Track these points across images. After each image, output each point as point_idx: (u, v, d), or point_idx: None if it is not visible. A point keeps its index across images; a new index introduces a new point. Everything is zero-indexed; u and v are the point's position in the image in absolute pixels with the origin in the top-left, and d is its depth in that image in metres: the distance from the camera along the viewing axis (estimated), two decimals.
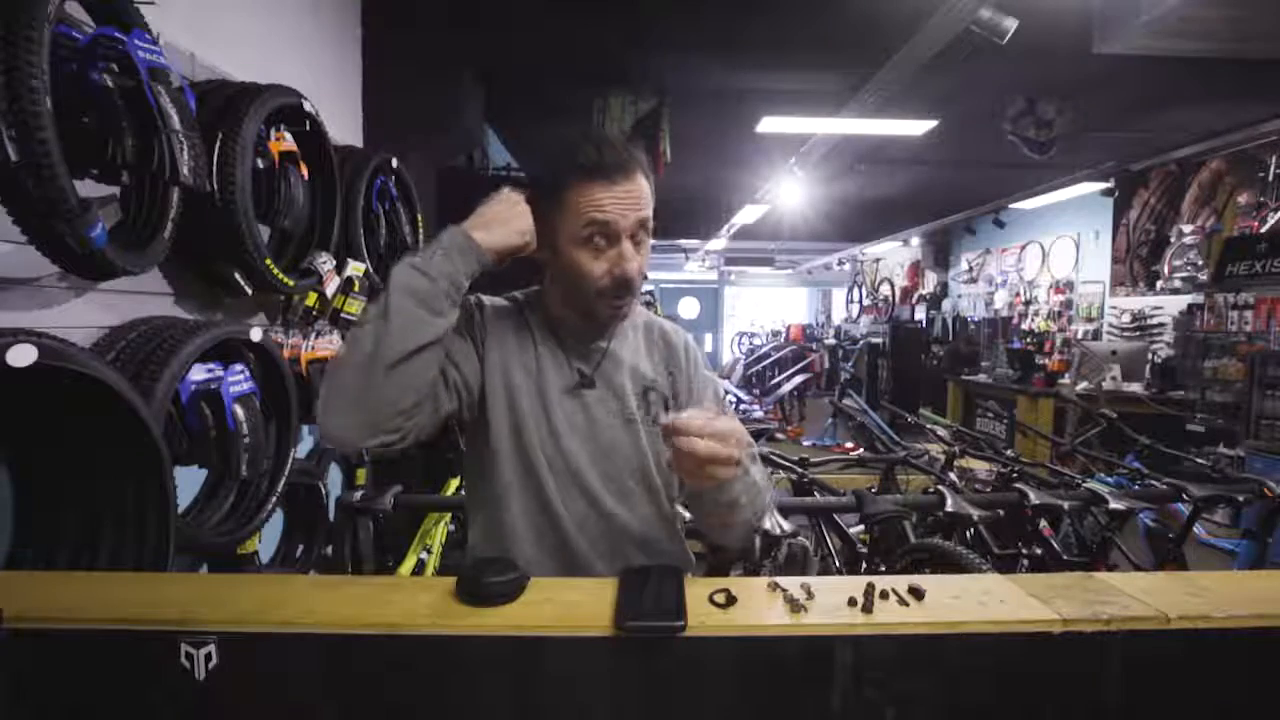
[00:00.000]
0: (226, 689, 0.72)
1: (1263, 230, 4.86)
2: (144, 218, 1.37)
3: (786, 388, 8.14)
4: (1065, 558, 2.27)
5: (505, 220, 0.96)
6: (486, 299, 1.10)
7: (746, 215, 7.59)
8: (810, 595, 0.80)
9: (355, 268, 2.17)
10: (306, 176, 1.85)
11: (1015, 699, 0.78)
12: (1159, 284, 5.95)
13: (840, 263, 13.09)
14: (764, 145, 5.03)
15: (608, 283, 0.98)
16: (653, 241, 1.04)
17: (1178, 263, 5.74)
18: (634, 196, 0.97)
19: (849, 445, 3.58)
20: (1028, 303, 7.85)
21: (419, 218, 2.65)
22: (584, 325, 1.07)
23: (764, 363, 10.52)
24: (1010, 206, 7.13)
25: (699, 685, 0.76)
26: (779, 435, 3.95)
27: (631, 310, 1.07)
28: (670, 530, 1.11)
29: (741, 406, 6.50)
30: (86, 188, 1.18)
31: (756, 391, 8.77)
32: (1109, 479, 2.78)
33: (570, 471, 1.02)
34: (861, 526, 2.33)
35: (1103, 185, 5.94)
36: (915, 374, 8.87)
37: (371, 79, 2.75)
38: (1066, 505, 2.06)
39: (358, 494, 2.46)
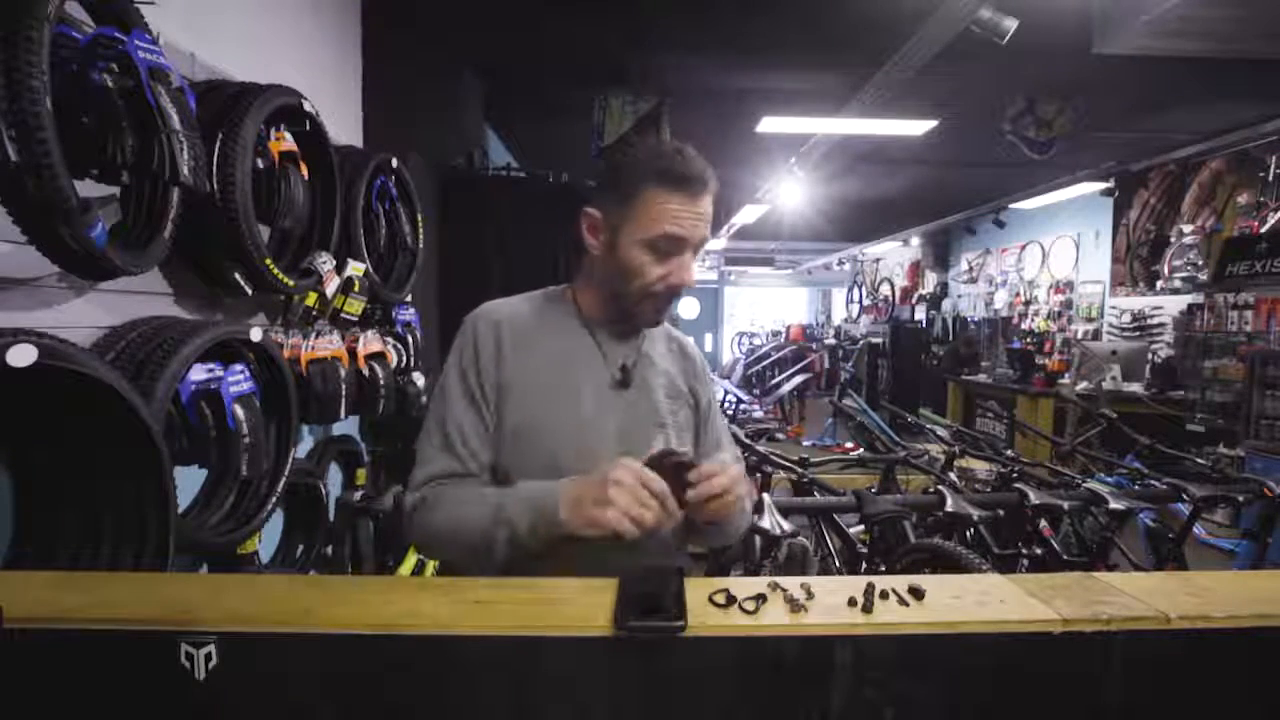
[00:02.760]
0: (226, 689, 0.72)
1: (1263, 230, 4.86)
2: (144, 218, 1.37)
3: (786, 388, 8.14)
4: (1065, 558, 2.28)
5: (588, 505, 0.88)
6: (504, 308, 1.08)
7: (746, 215, 7.60)
8: (810, 595, 0.80)
9: (355, 268, 2.17)
10: (306, 176, 1.85)
11: (1015, 699, 0.78)
12: (1159, 284, 5.95)
13: (840, 263, 13.10)
14: (764, 145, 5.03)
15: (661, 289, 1.01)
16: None
17: (1178, 263, 5.74)
18: (705, 215, 1.00)
19: (849, 445, 3.58)
20: (1028, 303, 7.85)
21: (419, 218, 2.65)
22: (619, 326, 1.08)
23: (764, 363, 10.52)
24: (1010, 206, 7.13)
25: (699, 685, 0.76)
26: (779, 435, 3.95)
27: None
28: (679, 534, 1.11)
29: (741, 406, 6.50)
30: (86, 188, 1.18)
31: (756, 391, 8.77)
32: (1109, 479, 2.78)
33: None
34: (861, 526, 2.33)
35: (1103, 185, 5.94)
36: (915, 374, 8.87)
37: (371, 79, 2.75)
38: (1066, 505, 2.07)
39: (358, 494, 2.47)
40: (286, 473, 1.83)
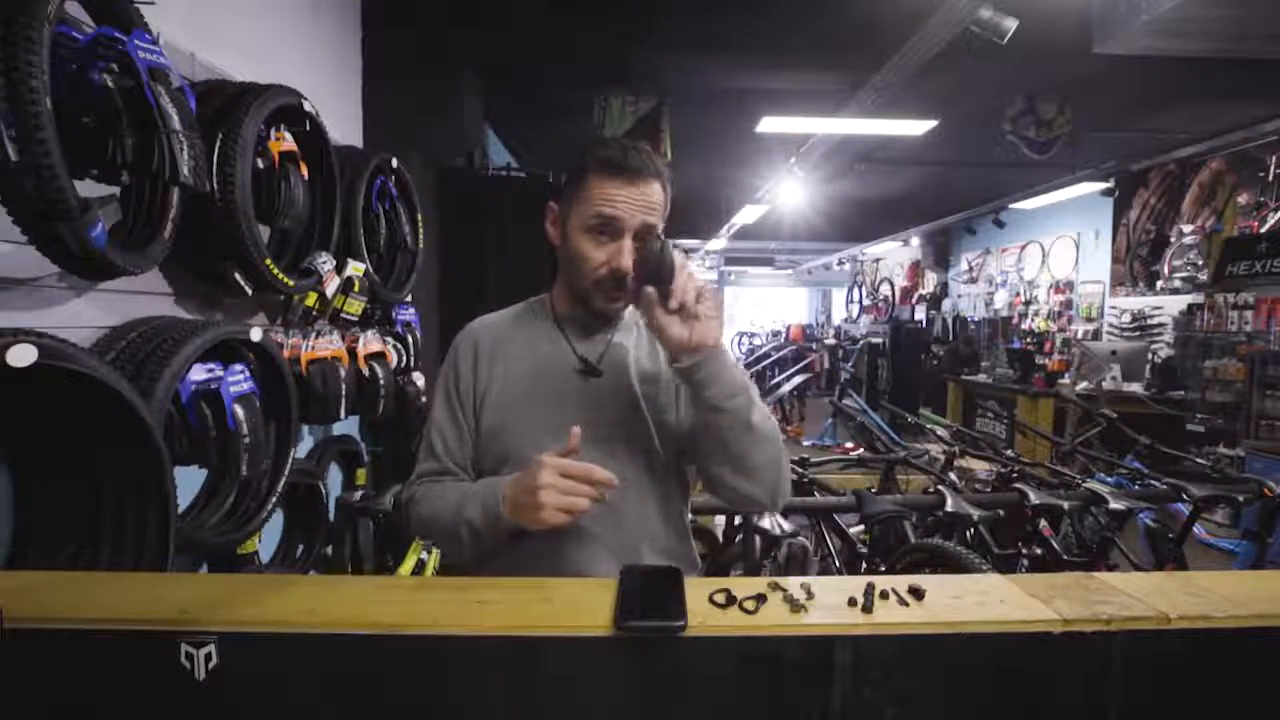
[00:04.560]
0: (226, 689, 0.72)
1: (1263, 230, 4.86)
2: (144, 218, 1.37)
3: (786, 388, 8.14)
4: (1065, 558, 2.28)
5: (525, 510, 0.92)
6: (486, 321, 1.15)
7: (746, 215, 7.60)
8: (810, 595, 0.80)
9: (355, 268, 2.17)
10: (306, 176, 1.85)
11: (1015, 699, 0.78)
12: (1159, 284, 5.95)
13: (840, 263, 13.09)
14: (764, 145, 5.03)
15: (604, 273, 1.03)
16: None
17: (1178, 263, 5.74)
18: (645, 200, 1.02)
19: (849, 445, 3.58)
20: (1028, 303, 7.84)
21: (419, 218, 2.65)
22: (588, 318, 1.10)
23: (764, 363, 10.52)
24: (1010, 206, 7.12)
25: (698, 685, 0.76)
26: None
27: (627, 305, 1.10)
28: (675, 526, 1.11)
29: None
30: (86, 188, 1.18)
31: None
32: (1109, 479, 2.78)
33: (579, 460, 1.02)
34: (861, 526, 2.33)
35: (1103, 185, 5.93)
36: (915, 374, 8.87)
37: (371, 79, 2.75)
38: (1066, 505, 2.07)
39: (358, 494, 2.47)
40: (286, 473, 1.83)
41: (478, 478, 1.09)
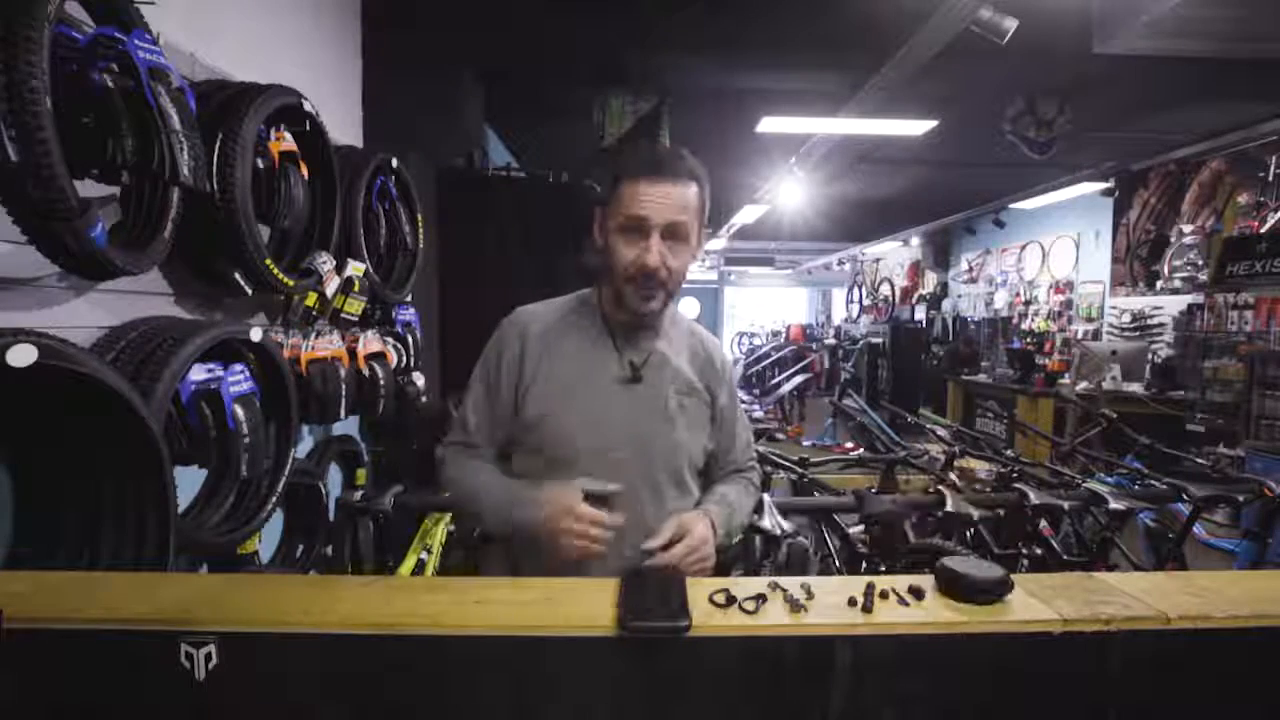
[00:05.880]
0: (226, 689, 0.72)
1: (1263, 230, 4.86)
2: (144, 218, 1.37)
3: (786, 388, 8.13)
4: (1065, 558, 2.27)
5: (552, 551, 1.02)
6: (536, 314, 1.19)
7: (746, 215, 7.60)
8: (810, 595, 0.80)
9: (355, 268, 2.17)
10: (306, 176, 1.85)
11: (1015, 699, 0.78)
12: (1159, 284, 5.95)
13: (840, 263, 13.09)
14: (764, 145, 5.03)
15: (633, 271, 1.07)
16: None
17: (1178, 263, 5.74)
18: (672, 199, 1.06)
19: (849, 445, 3.58)
20: (1028, 303, 7.84)
21: (419, 217, 2.65)
22: (633, 323, 1.15)
23: (764, 363, 10.52)
24: (1010, 206, 7.12)
25: (700, 685, 0.76)
26: (779, 435, 3.95)
27: (664, 308, 1.15)
28: None
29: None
30: (86, 188, 1.18)
31: (756, 391, 8.76)
32: (1109, 479, 2.78)
33: (608, 462, 1.08)
34: (861, 526, 2.33)
35: (1103, 185, 5.93)
36: (915, 374, 8.87)
37: (371, 79, 2.75)
38: (1066, 505, 2.06)
39: (358, 494, 2.46)
40: (286, 473, 1.83)
41: (510, 456, 1.19)
